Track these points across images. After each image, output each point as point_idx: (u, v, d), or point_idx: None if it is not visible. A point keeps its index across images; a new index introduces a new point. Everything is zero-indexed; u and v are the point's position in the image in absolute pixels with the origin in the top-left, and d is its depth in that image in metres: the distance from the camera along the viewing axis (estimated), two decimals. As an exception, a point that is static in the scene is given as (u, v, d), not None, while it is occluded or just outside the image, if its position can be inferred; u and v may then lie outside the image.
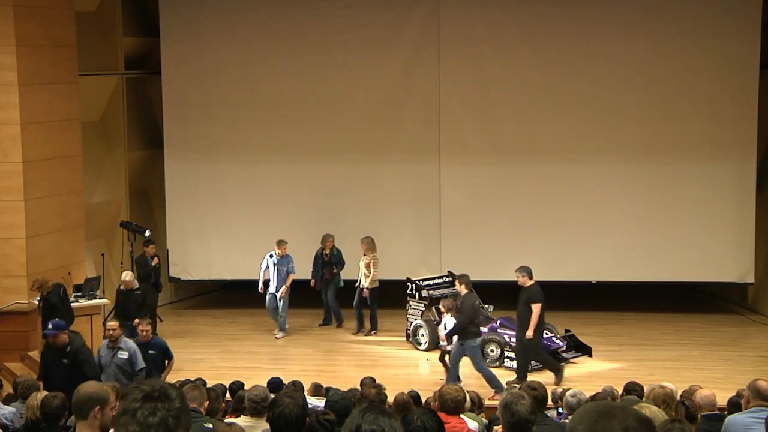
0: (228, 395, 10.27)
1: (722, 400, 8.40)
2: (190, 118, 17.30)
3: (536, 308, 12.67)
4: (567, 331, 14.64)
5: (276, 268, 15.46)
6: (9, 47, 13.92)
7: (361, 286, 15.54)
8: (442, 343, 13.39)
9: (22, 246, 14.18)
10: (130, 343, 11.19)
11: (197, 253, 17.45)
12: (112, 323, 11.15)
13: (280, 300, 15.48)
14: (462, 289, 12.88)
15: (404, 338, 15.27)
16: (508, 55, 16.78)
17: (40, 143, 14.35)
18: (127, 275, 13.88)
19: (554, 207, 16.88)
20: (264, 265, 15.62)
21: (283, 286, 15.42)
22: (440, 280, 15.53)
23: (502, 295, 15.94)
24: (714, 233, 16.65)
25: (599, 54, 16.64)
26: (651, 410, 5.14)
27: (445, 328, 13.16)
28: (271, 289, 15.48)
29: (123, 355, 10.90)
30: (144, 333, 11.55)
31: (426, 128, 16.96)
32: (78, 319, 13.64)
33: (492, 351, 13.95)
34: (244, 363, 14.31)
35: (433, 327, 14.76)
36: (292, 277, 15.49)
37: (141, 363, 10.98)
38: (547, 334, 14.11)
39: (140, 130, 17.65)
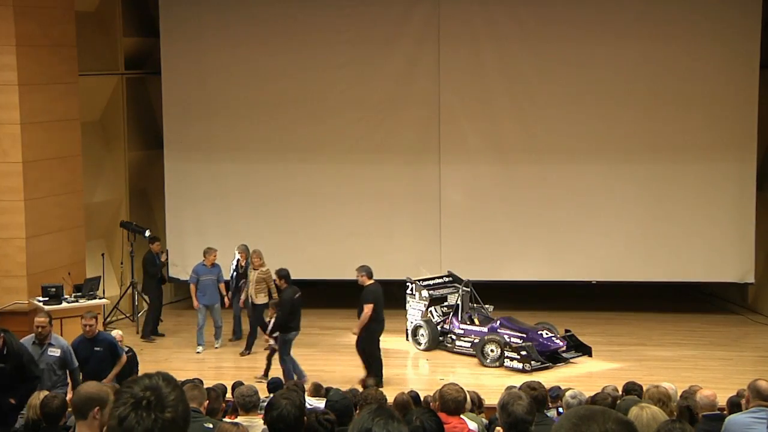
0: (229, 395, 10.25)
1: (722, 400, 8.39)
2: (190, 118, 17.30)
3: (367, 308, 12.68)
4: (567, 331, 14.64)
5: (206, 278, 14.73)
6: (9, 47, 13.91)
7: (253, 302, 14.44)
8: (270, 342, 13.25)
9: (22, 246, 14.18)
10: (62, 339, 10.22)
11: (197, 253, 17.39)
12: (41, 319, 9.98)
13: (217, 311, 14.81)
14: (282, 284, 12.94)
15: (404, 338, 15.27)
16: (508, 54, 16.79)
17: (40, 143, 14.35)
18: (118, 334, 11.69)
19: (554, 207, 16.88)
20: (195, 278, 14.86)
21: (226, 298, 14.92)
22: (440, 280, 15.53)
23: (502, 295, 15.97)
24: (714, 233, 16.65)
25: (599, 54, 16.65)
26: (651, 410, 5.13)
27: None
28: (208, 301, 14.71)
29: (54, 352, 9.90)
30: (88, 328, 10.45)
31: (426, 128, 16.96)
32: (78, 319, 13.64)
33: (492, 351, 13.95)
34: (244, 363, 14.30)
35: (433, 327, 14.78)
36: (224, 285, 14.94)
37: (75, 362, 10.03)
38: (547, 334, 14.13)
39: (140, 130, 17.65)
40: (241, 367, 13.94)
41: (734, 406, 8.10)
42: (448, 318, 14.88)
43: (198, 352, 14.77)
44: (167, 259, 15.97)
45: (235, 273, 15.04)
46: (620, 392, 9.46)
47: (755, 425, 6.45)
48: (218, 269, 14.90)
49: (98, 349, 10.46)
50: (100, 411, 4.62)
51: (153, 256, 15.39)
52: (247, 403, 6.57)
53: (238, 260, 15.07)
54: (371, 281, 12.87)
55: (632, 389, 9.30)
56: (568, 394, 8.48)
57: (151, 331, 15.54)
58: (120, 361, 10.74)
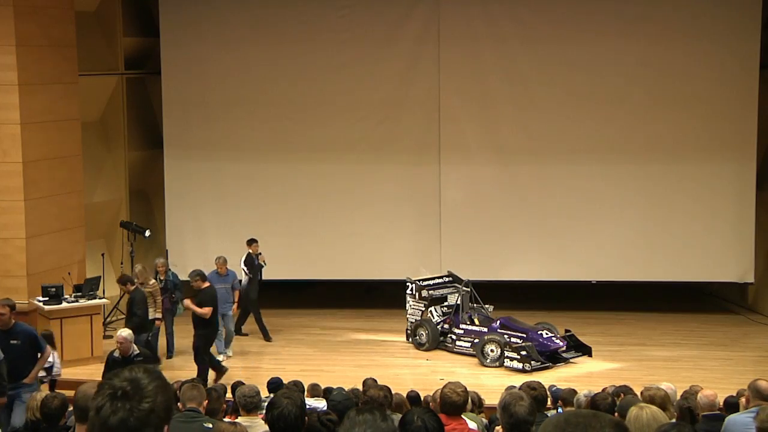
0: (229, 394, 10.24)
1: (723, 400, 8.39)
2: (190, 118, 17.30)
3: (206, 310, 12.71)
4: (567, 331, 14.64)
5: (219, 287, 13.89)
6: (9, 47, 13.92)
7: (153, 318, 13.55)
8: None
9: (22, 246, 14.18)
10: None
11: (197, 253, 17.42)
12: None
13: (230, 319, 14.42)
14: (129, 288, 12.92)
15: (404, 338, 15.27)
16: (508, 55, 16.79)
17: (40, 143, 14.35)
18: (126, 333, 10.58)
19: (554, 207, 16.88)
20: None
21: (235, 305, 14.44)
22: (440, 280, 15.53)
23: (502, 295, 15.97)
24: (714, 233, 16.66)
25: (599, 54, 16.65)
26: (651, 410, 5.13)
27: None
28: (220, 310, 13.79)
29: None
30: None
31: (426, 128, 16.96)
32: (78, 319, 13.67)
33: (492, 351, 13.94)
34: (244, 363, 14.30)
35: (433, 327, 14.78)
36: (237, 292, 14.48)
37: None
38: (547, 334, 14.12)
39: (140, 130, 17.66)
40: (241, 368, 13.93)
41: (730, 406, 8.10)
42: (448, 318, 14.88)
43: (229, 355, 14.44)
44: (264, 260, 15.30)
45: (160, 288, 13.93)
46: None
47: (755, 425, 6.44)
48: (231, 277, 14.39)
49: (15, 341, 9.43)
50: None
51: (252, 257, 15.15)
52: (248, 404, 6.57)
53: (157, 274, 14.24)
54: (206, 284, 12.91)
55: (625, 392, 9.13)
56: (582, 393, 8.48)
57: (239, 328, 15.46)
58: (43, 356, 9.77)
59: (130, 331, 10.67)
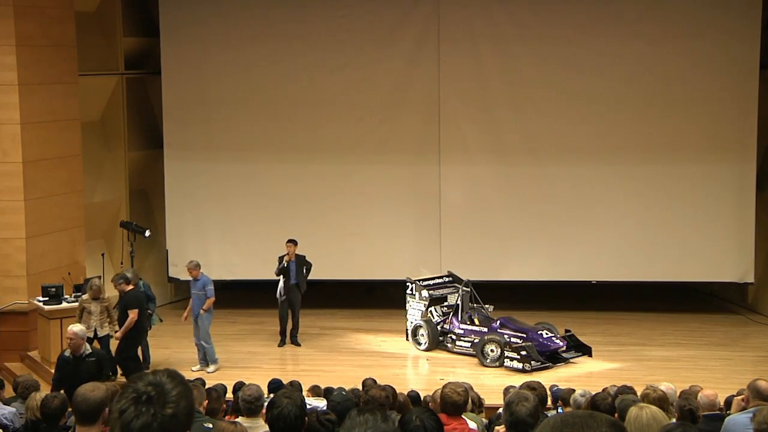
0: (230, 394, 10.23)
1: (723, 400, 8.39)
2: (190, 118, 17.30)
3: (132, 314, 12.55)
4: (567, 331, 14.64)
5: (192, 293, 13.81)
6: (9, 47, 13.93)
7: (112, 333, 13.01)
8: None
9: (22, 246, 14.19)
10: None
11: (197, 253, 17.40)
12: None
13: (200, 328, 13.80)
14: None
15: (404, 338, 15.27)
16: (508, 55, 16.79)
17: (40, 143, 14.36)
18: (78, 328, 10.08)
19: (554, 207, 16.88)
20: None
21: (201, 310, 13.66)
22: (440, 280, 15.53)
23: (502, 295, 15.97)
24: (714, 233, 16.66)
25: (599, 54, 16.65)
26: (651, 410, 5.13)
27: None
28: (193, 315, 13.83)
29: None
30: None
31: (426, 128, 16.97)
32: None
33: (492, 351, 13.94)
34: (244, 363, 14.30)
35: (433, 327, 14.78)
36: (211, 301, 13.70)
37: None
38: (547, 334, 14.12)
39: (140, 130, 17.66)
40: (242, 367, 13.93)
41: (731, 406, 8.10)
42: (448, 318, 14.88)
43: (192, 370, 13.65)
44: (290, 260, 14.95)
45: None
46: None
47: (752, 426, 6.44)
48: (201, 282, 13.70)
49: None
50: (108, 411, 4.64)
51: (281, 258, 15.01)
52: (248, 409, 6.57)
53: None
54: (131, 287, 12.76)
55: (625, 392, 9.15)
56: (577, 392, 8.47)
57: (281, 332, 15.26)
58: None
59: (82, 327, 10.46)
